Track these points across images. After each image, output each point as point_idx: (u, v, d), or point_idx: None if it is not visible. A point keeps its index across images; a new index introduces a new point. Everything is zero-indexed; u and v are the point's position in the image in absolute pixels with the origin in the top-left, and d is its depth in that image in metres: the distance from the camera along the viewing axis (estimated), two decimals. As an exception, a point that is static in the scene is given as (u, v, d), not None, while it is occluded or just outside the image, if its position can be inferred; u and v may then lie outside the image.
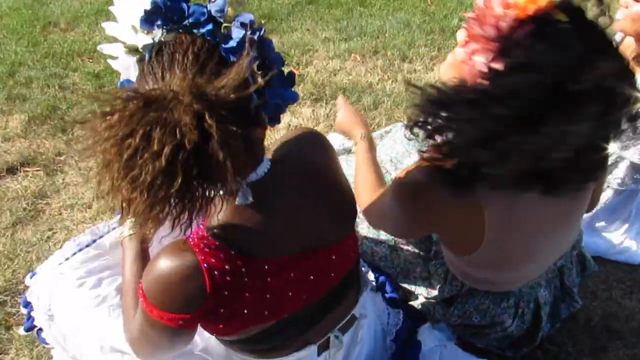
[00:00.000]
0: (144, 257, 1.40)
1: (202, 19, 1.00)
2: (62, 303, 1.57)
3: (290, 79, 1.08)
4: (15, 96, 3.19)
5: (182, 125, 0.86)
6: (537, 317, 1.66)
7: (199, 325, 1.16)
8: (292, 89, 1.08)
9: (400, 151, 2.12)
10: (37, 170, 2.67)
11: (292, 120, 2.97)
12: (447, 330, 1.68)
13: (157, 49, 1.02)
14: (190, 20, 1.01)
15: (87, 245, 1.70)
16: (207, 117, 0.87)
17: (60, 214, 2.43)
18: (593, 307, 1.96)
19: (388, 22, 4.00)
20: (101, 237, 1.74)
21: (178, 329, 1.09)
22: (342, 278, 1.28)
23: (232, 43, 0.99)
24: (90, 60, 3.59)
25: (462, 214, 1.29)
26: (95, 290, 1.56)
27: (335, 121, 1.78)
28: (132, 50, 1.04)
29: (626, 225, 2.21)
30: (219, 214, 1.09)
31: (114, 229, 1.67)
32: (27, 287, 1.72)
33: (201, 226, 1.09)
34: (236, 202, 1.07)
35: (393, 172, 2.04)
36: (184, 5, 1.01)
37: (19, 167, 2.68)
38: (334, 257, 1.24)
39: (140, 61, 1.06)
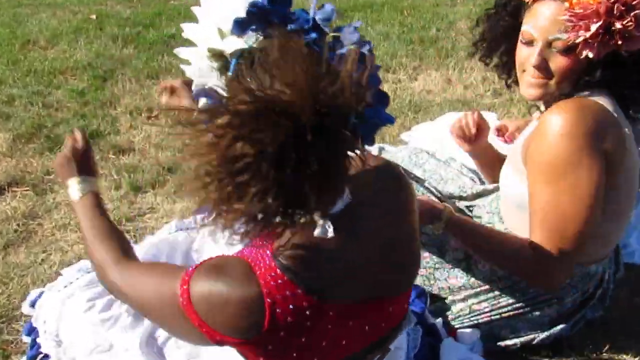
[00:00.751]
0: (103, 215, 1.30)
1: (306, 26, 0.91)
2: (71, 327, 1.46)
3: (387, 99, 0.98)
4: (-2, 115, 3.01)
5: (292, 127, 0.78)
6: (590, 297, 1.60)
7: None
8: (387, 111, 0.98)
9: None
10: (26, 190, 2.49)
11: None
12: (472, 338, 1.58)
13: (257, 54, 0.91)
14: (292, 26, 0.91)
15: (88, 272, 1.60)
16: (321, 121, 0.80)
17: (54, 234, 2.26)
18: (606, 309, 1.86)
19: (368, 35, 3.91)
20: None
21: (210, 340, 0.99)
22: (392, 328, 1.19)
23: (343, 50, 0.92)
24: (74, 78, 3.42)
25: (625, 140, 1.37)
26: (106, 313, 1.45)
27: None
28: (216, 55, 0.93)
29: (628, 230, 2.12)
30: (291, 243, 0.96)
31: None
32: (24, 314, 1.59)
33: (268, 252, 0.98)
34: (314, 234, 0.95)
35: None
36: (287, 10, 0.91)
37: (6, 187, 2.50)
38: (390, 309, 1.14)
39: (223, 67, 0.95)
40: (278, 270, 0.96)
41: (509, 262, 1.47)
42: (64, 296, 1.50)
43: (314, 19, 0.92)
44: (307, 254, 0.98)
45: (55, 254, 2.15)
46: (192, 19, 1.00)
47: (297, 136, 0.79)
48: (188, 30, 1.01)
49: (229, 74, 0.97)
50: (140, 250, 1.76)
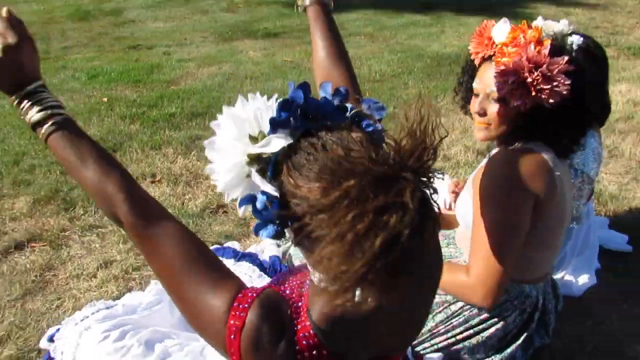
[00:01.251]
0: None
1: (331, 110, 0.91)
2: (87, 356, 1.52)
3: None
4: (20, 181, 3.15)
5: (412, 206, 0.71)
6: (529, 318, 1.68)
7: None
8: None
9: None
10: (43, 246, 2.61)
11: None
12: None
13: (309, 146, 0.85)
14: (322, 115, 0.91)
15: (107, 308, 1.71)
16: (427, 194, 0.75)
17: (68, 283, 2.38)
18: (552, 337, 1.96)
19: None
20: (113, 306, 1.74)
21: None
22: None
23: (378, 126, 0.93)
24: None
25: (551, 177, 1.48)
26: (120, 343, 1.52)
27: None
28: (254, 159, 0.89)
29: (563, 264, 2.27)
30: (330, 304, 0.88)
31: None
32: (42, 351, 1.64)
33: (304, 307, 0.92)
34: (355, 298, 0.79)
35: None
36: (317, 101, 0.91)
37: (26, 243, 2.62)
38: None
39: (261, 169, 0.89)
40: (311, 331, 0.90)
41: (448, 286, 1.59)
42: (81, 328, 1.57)
43: (334, 104, 0.92)
44: (342, 318, 0.89)
45: (69, 301, 2.26)
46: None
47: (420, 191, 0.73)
48: (214, 148, 0.93)
49: (269, 173, 0.88)
50: (148, 293, 1.86)
